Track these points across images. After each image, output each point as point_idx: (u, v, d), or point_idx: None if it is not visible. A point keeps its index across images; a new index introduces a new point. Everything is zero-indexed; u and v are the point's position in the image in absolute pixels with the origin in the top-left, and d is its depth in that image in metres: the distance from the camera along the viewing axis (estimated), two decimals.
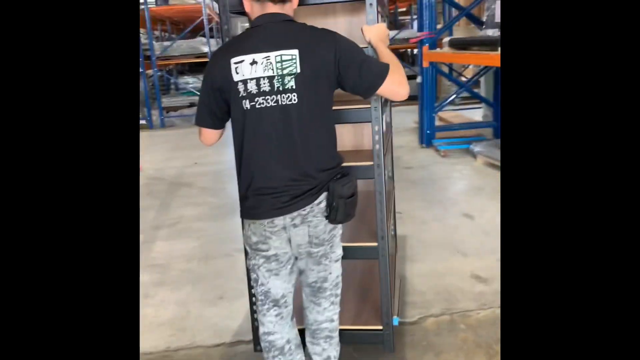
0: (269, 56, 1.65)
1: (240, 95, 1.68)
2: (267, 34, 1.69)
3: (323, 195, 1.74)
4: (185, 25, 10.96)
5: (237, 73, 1.67)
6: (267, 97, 1.67)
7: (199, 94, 6.74)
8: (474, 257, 3.16)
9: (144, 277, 3.17)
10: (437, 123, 6.64)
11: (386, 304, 2.16)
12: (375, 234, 2.15)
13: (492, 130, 6.41)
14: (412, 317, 2.51)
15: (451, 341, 2.32)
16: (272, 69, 1.66)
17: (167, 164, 6.27)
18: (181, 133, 8.44)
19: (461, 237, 3.48)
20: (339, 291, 1.93)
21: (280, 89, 1.66)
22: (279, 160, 1.72)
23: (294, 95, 1.67)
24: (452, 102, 8.87)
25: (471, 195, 4.38)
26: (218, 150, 6.36)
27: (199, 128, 1.82)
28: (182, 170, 5.89)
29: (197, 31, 10.33)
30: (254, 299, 2.07)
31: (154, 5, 9.83)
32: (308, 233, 1.75)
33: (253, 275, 1.86)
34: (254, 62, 1.65)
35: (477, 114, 7.74)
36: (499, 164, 4.78)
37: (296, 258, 1.84)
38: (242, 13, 1.95)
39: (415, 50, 9.16)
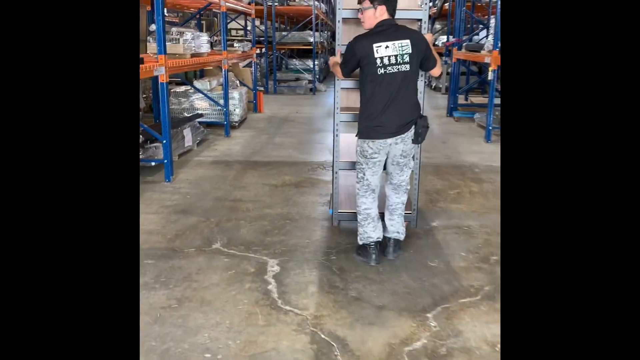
0: (395, 43, 2.64)
1: (377, 65, 2.64)
2: (392, 31, 2.69)
3: (413, 127, 2.73)
4: (299, 21, 14.45)
5: (377, 52, 2.63)
6: (393, 66, 2.64)
7: (303, 72, 11.93)
8: (433, 152, 6.25)
9: (270, 147, 6.57)
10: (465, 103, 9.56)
11: (415, 199, 3.55)
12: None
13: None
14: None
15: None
16: (397, 50, 2.63)
17: (278, 111, 9.74)
18: (287, 97, 11.92)
19: (431, 150, 6.55)
20: (409, 187, 2.97)
21: (401, 61, 2.64)
22: (394, 104, 2.67)
23: (408, 66, 2.66)
24: (486, 91, 11.53)
25: (453, 136, 7.39)
26: (311, 108, 9.95)
27: (339, 70, 2.85)
28: (288, 114, 9.33)
29: (306, 25, 13.75)
30: (357, 188, 2.95)
31: (277, 4, 13.41)
32: (402, 149, 2.77)
33: (359, 175, 2.86)
34: (387, 47, 2.63)
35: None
36: (484, 125, 7.64)
37: (385, 167, 2.88)
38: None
39: None
